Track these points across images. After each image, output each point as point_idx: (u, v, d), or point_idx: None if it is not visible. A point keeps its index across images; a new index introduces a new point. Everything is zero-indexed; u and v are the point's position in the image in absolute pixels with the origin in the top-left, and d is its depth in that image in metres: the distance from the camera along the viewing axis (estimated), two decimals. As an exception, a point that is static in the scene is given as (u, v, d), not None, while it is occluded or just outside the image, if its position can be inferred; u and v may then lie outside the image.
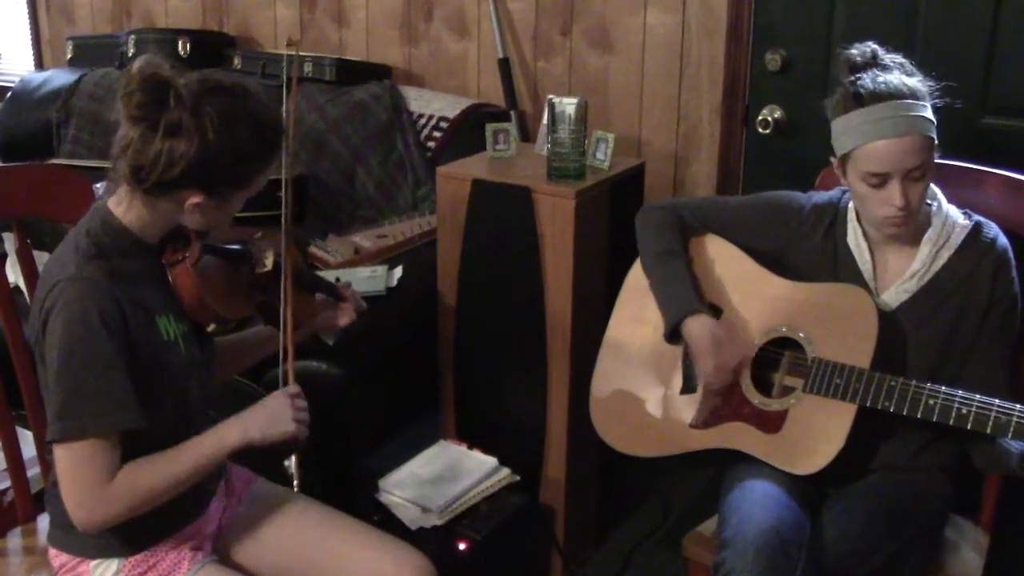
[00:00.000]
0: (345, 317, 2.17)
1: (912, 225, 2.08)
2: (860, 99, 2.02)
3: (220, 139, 1.74)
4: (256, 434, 1.85)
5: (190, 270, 1.86)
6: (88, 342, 1.71)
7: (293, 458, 1.94)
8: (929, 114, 2.01)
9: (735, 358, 2.17)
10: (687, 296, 2.23)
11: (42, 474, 2.16)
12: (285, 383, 1.95)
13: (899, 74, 2.04)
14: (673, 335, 2.25)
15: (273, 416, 1.87)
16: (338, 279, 2.21)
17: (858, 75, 2.06)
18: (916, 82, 2.04)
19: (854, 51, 2.10)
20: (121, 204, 1.83)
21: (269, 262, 2.01)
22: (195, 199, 1.79)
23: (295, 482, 1.95)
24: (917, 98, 2.01)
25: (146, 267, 1.86)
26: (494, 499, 2.60)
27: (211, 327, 1.94)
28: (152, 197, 1.79)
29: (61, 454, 1.74)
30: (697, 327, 2.19)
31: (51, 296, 1.74)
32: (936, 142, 2.03)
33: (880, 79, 2.02)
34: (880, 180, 2.02)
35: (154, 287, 1.86)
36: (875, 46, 2.10)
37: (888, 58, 2.08)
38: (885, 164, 2.00)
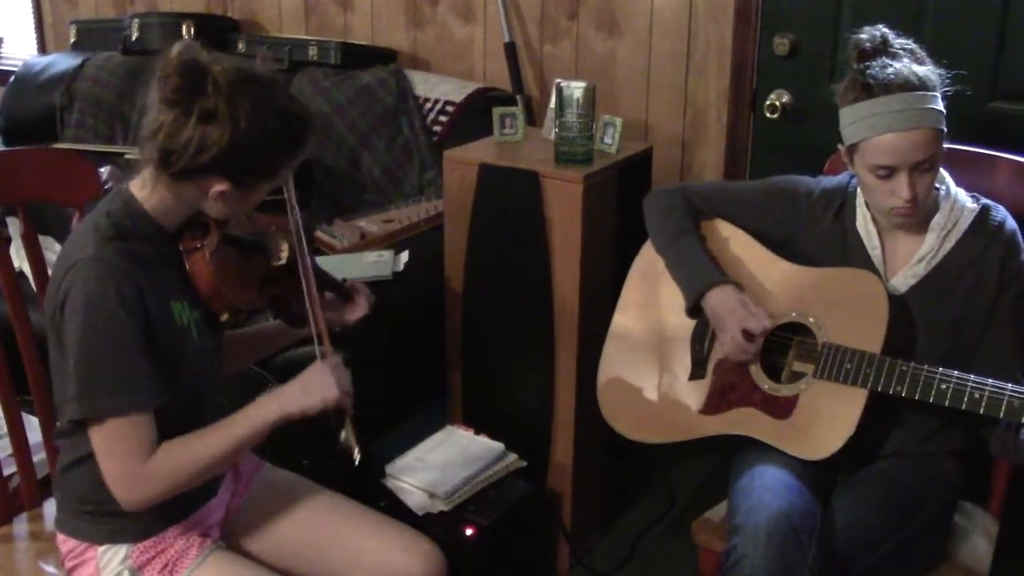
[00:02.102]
0: (354, 313, 2.16)
1: (920, 214, 2.06)
2: (869, 89, 2.00)
3: (252, 128, 1.73)
4: (294, 406, 1.83)
5: (207, 258, 1.86)
6: (109, 321, 1.71)
7: (349, 431, 1.88)
8: (939, 104, 1.99)
9: (761, 322, 2.13)
10: (707, 269, 2.21)
11: (48, 459, 2.15)
12: (322, 355, 1.93)
13: (909, 62, 2.02)
14: (695, 310, 2.23)
15: (311, 385, 1.85)
16: (344, 279, 2.20)
17: (867, 63, 2.03)
18: (926, 71, 2.01)
19: (864, 36, 2.07)
20: (144, 188, 1.83)
21: (284, 255, 2.00)
22: (220, 187, 1.79)
23: (356, 452, 1.88)
24: (927, 88, 1.99)
25: (163, 252, 1.85)
26: (501, 485, 2.60)
27: (224, 317, 1.93)
28: (177, 182, 1.79)
29: (97, 435, 1.74)
30: (721, 296, 2.17)
31: (69, 276, 1.74)
32: (945, 131, 2.01)
33: (889, 69, 2.00)
34: (887, 172, 2.00)
35: (170, 273, 1.86)
36: (885, 30, 2.07)
37: (898, 44, 2.06)
38: (893, 157, 1.99)
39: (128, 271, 1.75)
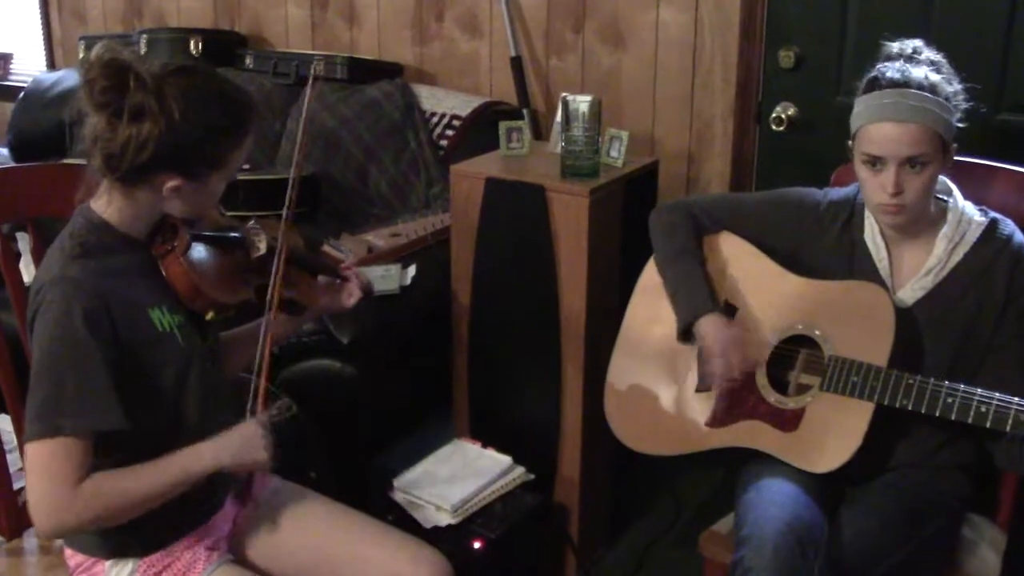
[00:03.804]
0: (351, 298, 2.16)
1: (911, 219, 2.07)
2: (877, 83, 2.04)
3: (186, 118, 1.74)
4: (228, 460, 1.83)
5: (180, 259, 1.86)
6: (69, 342, 1.70)
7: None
8: (941, 110, 2.00)
9: (744, 361, 2.16)
10: (701, 296, 2.22)
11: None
12: (255, 409, 1.93)
13: (926, 69, 2.04)
14: (686, 335, 2.24)
15: (246, 444, 1.86)
16: (333, 244, 2.18)
17: (887, 63, 2.06)
18: (940, 79, 2.03)
19: (895, 44, 2.11)
20: (101, 199, 1.83)
21: (263, 245, 2.00)
22: (172, 183, 1.79)
23: None
24: (935, 93, 2.00)
25: (135, 261, 1.85)
26: (508, 498, 2.60)
27: (209, 315, 1.93)
28: (129, 187, 1.79)
29: (32, 452, 1.70)
30: (708, 327, 2.18)
31: (37, 299, 1.74)
32: (947, 141, 2.02)
33: (902, 68, 2.03)
34: (877, 164, 2.03)
35: (145, 280, 1.85)
36: (920, 43, 2.10)
37: (926, 55, 2.08)
38: (881, 147, 2.01)
39: (94, 288, 1.74)
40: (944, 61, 2.08)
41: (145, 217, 1.86)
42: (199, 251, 1.92)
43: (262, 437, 1.87)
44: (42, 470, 1.70)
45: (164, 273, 1.87)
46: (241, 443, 1.86)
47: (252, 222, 2.05)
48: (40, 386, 1.71)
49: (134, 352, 1.79)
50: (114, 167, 1.76)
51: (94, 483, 1.71)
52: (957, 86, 2.05)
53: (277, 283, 1.97)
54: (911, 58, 2.07)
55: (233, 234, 2.01)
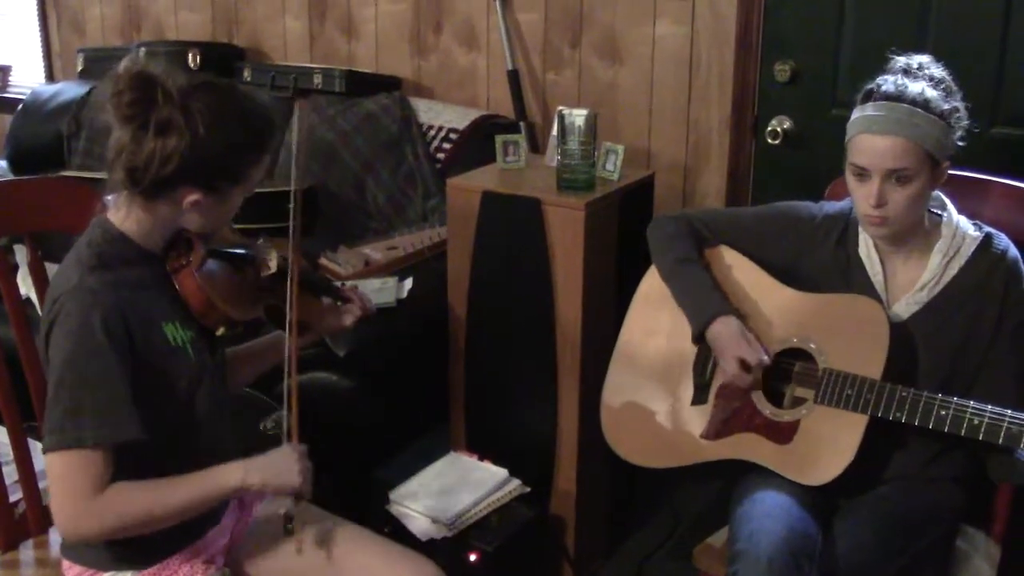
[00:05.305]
0: (349, 316, 2.16)
1: (891, 230, 2.08)
2: (872, 94, 2.06)
3: (211, 133, 1.75)
4: (256, 481, 1.83)
5: (194, 274, 1.87)
6: (89, 352, 1.71)
7: (297, 516, 1.92)
8: (931, 126, 2.00)
9: (757, 355, 2.14)
10: (714, 299, 2.23)
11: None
12: (290, 437, 1.92)
13: (923, 84, 2.04)
14: (700, 338, 2.24)
15: (278, 468, 1.85)
16: (343, 283, 2.20)
17: (887, 76, 2.08)
18: (936, 95, 2.03)
19: (902, 58, 2.11)
20: (120, 211, 1.84)
21: (273, 264, 2.01)
22: (193, 197, 1.80)
23: (289, 526, 1.92)
24: (927, 109, 2.00)
25: (150, 274, 1.86)
26: (504, 510, 2.60)
27: (220, 331, 1.94)
28: (150, 200, 1.80)
29: (54, 462, 1.71)
30: (723, 327, 2.18)
31: (54, 309, 1.75)
32: (937, 158, 2.02)
33: (899, 82, 2.04)
34: (863, 175, 2.04)
35: (159, 294, 1.86)
36: (927, 59, 2.10)
37: (929, 71, 2.08)
38: (866, 158, 2.03)
39: (112, 299, 1.75)
40: (948, 79, 2.08)
41: (162, 231, 1.87)
42: (213, 267, 1.93)
43: (297, 462, 1.86)
44: (63, 480, 1.71)
45: (178, 287, 1.88)
46: (275, 467, 1.85)
47: (262, 240, 2.06)
48: (60, 397, 1.71)
49: (148, 365, 1.79)
50: (137, 180, 1.76)
51: (116, 493, 1.73)
52: (957, 103, 2.06)
53: (293, 306, 1.97)
54: (912, 73, 2.07)
55: (246, 251, 2.02)
